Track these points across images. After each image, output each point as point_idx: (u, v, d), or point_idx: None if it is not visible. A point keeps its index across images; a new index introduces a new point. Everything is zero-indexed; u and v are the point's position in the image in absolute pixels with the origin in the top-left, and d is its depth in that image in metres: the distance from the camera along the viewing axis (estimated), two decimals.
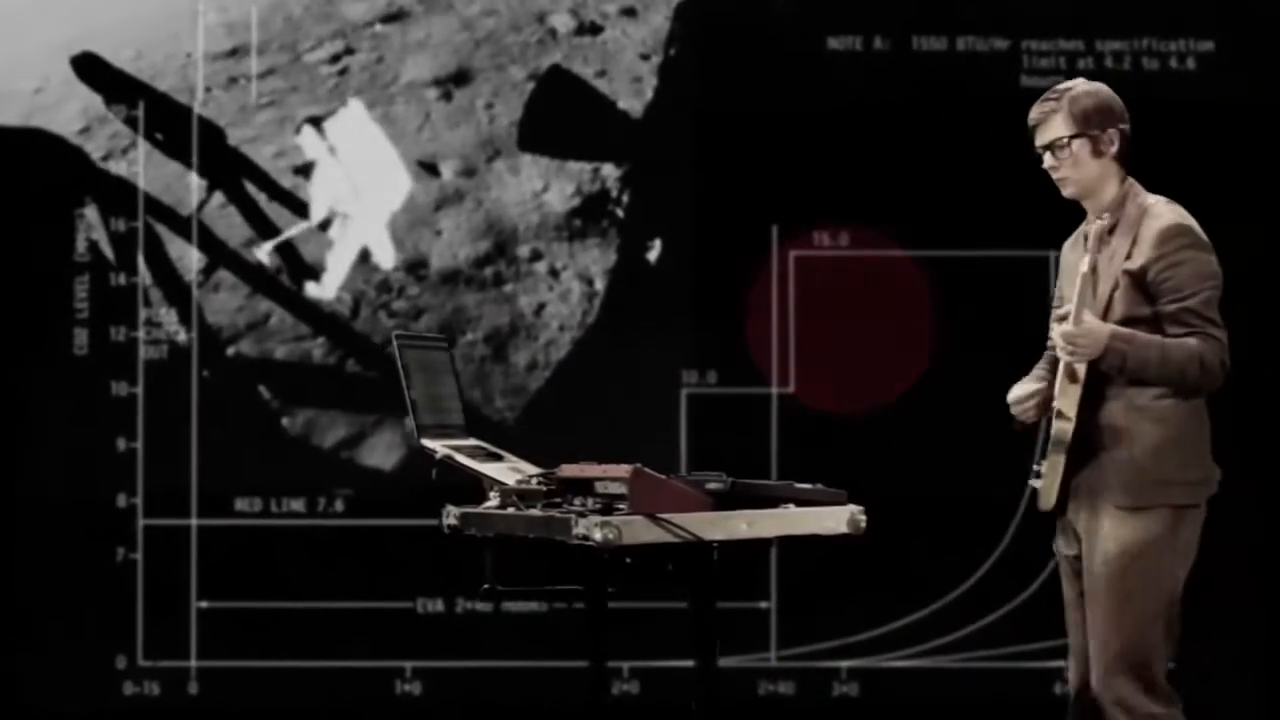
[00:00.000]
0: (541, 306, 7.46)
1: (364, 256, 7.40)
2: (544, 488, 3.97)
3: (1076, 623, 4.51)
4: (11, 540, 7.09)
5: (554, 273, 7.50)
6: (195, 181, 7.36)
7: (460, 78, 7.58)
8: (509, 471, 4.03)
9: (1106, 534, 4.32)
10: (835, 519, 3.78)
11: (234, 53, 7.53)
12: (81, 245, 7.26)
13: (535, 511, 3.92)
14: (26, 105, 7.43)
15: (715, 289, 7.45)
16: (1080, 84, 4.55)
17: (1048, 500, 4.35)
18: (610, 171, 7.53)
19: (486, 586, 3.96)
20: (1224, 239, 7.05)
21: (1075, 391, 4.29)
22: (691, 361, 7.41)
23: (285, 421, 7.28)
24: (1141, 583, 4.29)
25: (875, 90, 7.36)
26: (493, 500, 4.04)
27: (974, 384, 5.62)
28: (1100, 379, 4.34)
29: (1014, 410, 4.51)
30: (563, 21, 7.62)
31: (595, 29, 7.61)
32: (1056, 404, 4.34)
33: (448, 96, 7.56)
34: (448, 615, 7.32)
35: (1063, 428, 4.30)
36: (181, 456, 7.10)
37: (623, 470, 3.69)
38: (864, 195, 7.22)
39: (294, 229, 7.32)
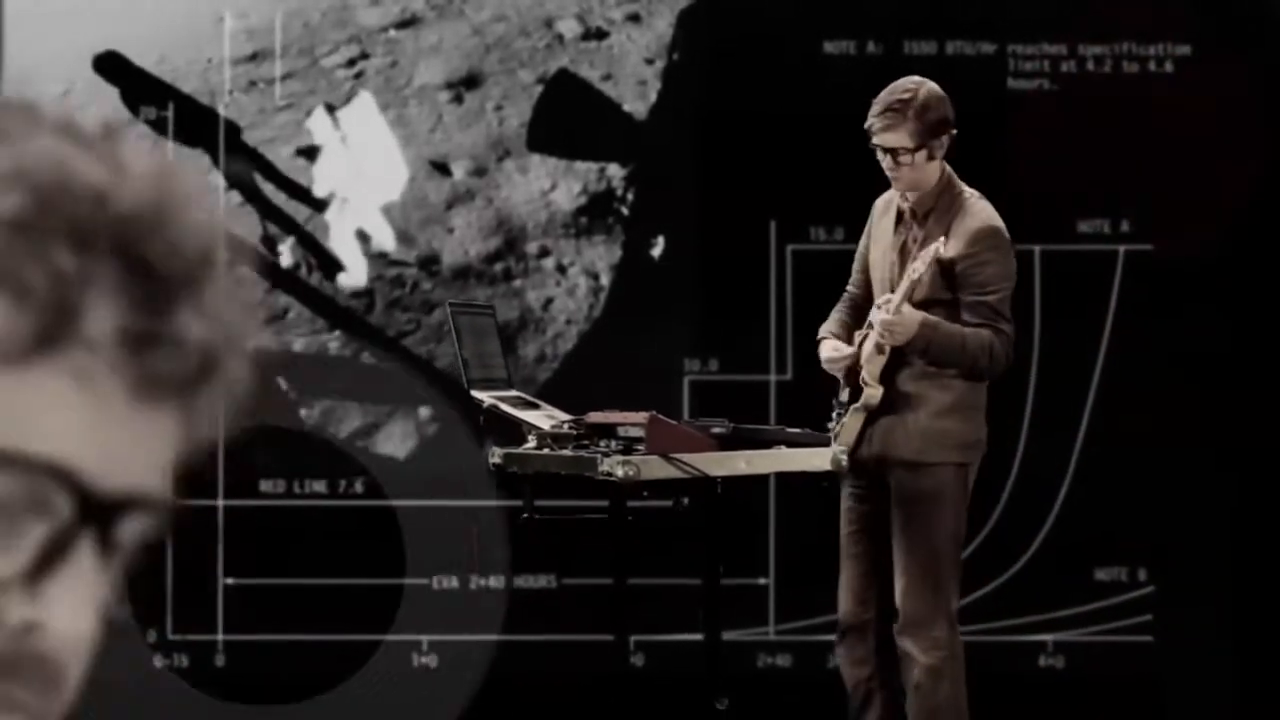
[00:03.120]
0: (549, 301, 7.70)
1: (364, 239, 7.52)
2: (574, 432, 4.72)
3: (853, 555, 5.23)
4: None
5: (561, 268, 7.72)
6: (220, 180, 7.56)
7: (471, 81, 7.78)
8: (545, 418, 4.78)
9: (899, 484, 5.05)
10: (820, 458, 4.65)
11: (254, 57, 7.70)
12: None
13: (566, 452, 4.69)
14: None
15: (716, 282, 7.61)
16: (922, 91, 5.07)
17: (840, 456, 4.95)
18: (615, 171, 7.75)
19: (525, 515, 4.83)
20: (1202, 235, 7.49)
21: (881, 362, 5.00)
22: (694, 350, 7.61)
23: (303, 411, 7.44)
24: (932, 523, 5.04)
25: (869, 92, 7.04)
26: (531, 442, 4.82)
27: None
28: (899, 351, 5.01)
29: (826, 367, 5.15)
30: (570, 27, 7.83)
31: (601, 34, 7.82)
32: (864, 370, 5.01)
33: (459, 99, 7.77)
34: (462, 591, 7.53)
35: (872, 394, 5.00)
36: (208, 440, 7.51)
37: (641, 417, 4.51)
38: (858, 192, 7.07)
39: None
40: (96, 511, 0.98)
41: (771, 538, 7.58)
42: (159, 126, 7.66)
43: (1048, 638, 7.57)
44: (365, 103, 7.72)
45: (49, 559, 0.97)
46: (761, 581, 7.60)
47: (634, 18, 7.85)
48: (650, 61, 7.83)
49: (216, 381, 1.01)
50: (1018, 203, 7.17)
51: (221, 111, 7.67)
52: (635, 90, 7.81)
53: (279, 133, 7.70)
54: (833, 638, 7.12)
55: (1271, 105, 7.64)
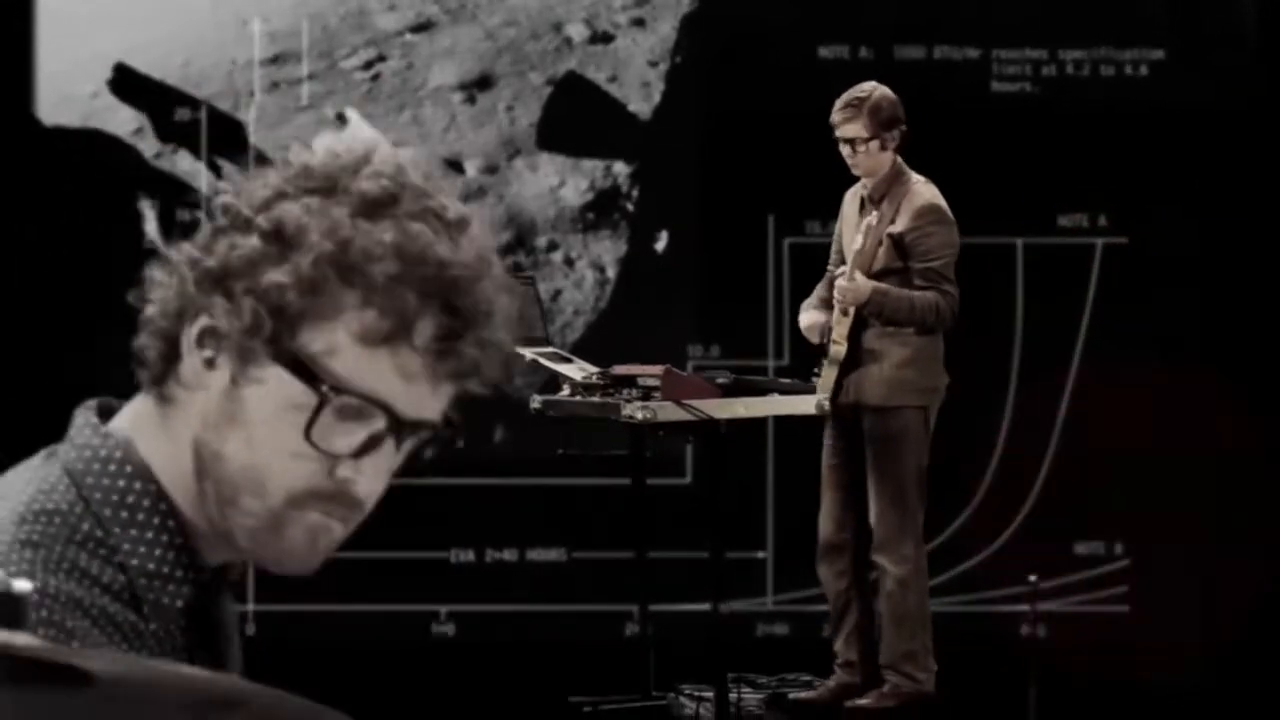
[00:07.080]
0: (558, 293, 8.24)
1: None
2: (601, 382, 5.83)
3: (833, 485, 6.33)
4: None
5: (569, 262, 8.27)
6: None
7: (483, 82, 8.35)
8: (577, 370, 5.93)
9: (870, 426, 6.17)
10: (806, 404, 5.86)
11: (275, 60, 8.29)
12: (145, 236, 7.96)
13: (595, 398, 5.82)
14: (85, 108, 8.20)
15: (717, 273, 8.13)
16: (876, 93, 6.09)
17: (823, 402, 6.04)
18: (621, 169, 8.31)
19: (560, 450, 6.03)
20: (1179, 232, 8.23)
21: (846, 323, 6.11)
22: (696, 337, 8.13)
23: None
24: (899, 457, 6.16)
25: None
26: (565, 390, 5.98)
27: (951, 359, 6.48)
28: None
29: (805, 334, 6.19)
30: (578, 31, 8.39)
31: (607, 38, 8.38)
32: (833, 330, 6.10)
33: (472, 100, 8.33)
34: (478, 564, 8.15)
35: (837, 349, 6.10)
36: None
37: (657, 369, 5.64)
38: (851, 188, 6.92)
39: None
40: (399, 427, 1.69)
41: (770, 514, 8.22)
42: (189, 128, 8.18)
43: (1027, 608, 7.71)
44: (355, 120, 8.27)
45: (366, 447, 1.68)
46: (760, 555, 8.25)
47: (639, 22, 8.40)
48: (654, 64, 8.38)
49: (480, 375, 1.76)
50: (1001, 198, 8.19)
51: (251, 113, 8.25)
52: (640, 91, 8.37)
53: (299, 132, 8.20)
54: (828, 608, 7.46)
55: (1240, 107, 8.26)
